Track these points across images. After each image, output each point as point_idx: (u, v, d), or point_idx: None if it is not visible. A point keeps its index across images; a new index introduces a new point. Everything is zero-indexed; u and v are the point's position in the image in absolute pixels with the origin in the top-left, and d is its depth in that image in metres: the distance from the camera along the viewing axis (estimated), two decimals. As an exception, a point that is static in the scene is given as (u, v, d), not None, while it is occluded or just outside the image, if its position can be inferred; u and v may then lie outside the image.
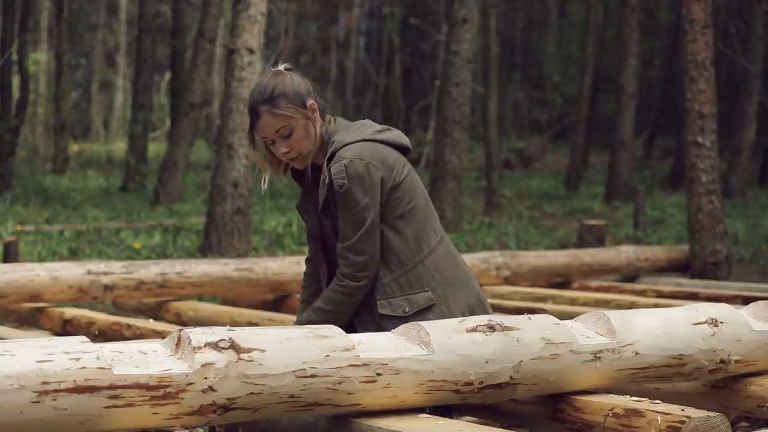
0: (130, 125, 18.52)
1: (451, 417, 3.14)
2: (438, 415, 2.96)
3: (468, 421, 3.31)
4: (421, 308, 3.26)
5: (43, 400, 2.36)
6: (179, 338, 2.63)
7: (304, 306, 3.50)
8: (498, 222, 13.98)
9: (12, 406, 2.33)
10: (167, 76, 24.60)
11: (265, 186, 3.43)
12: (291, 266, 6.59)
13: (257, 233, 11.68)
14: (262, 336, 2.70)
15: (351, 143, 3.25)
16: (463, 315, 3.29)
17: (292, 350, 2.69)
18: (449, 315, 3.28)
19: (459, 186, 12.90)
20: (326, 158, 3.26)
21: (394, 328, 3.01)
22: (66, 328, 5.63)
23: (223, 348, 2.60)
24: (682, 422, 2.82)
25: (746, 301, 5.54)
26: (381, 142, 3.29)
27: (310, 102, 3.28)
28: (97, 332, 5.35)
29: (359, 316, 3.33)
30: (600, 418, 2.99)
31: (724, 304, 3.52)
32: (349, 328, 3.24)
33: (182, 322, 6.08)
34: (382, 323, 3.25)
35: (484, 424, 3.15)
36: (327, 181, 3.22)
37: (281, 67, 3.33)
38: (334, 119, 3.38)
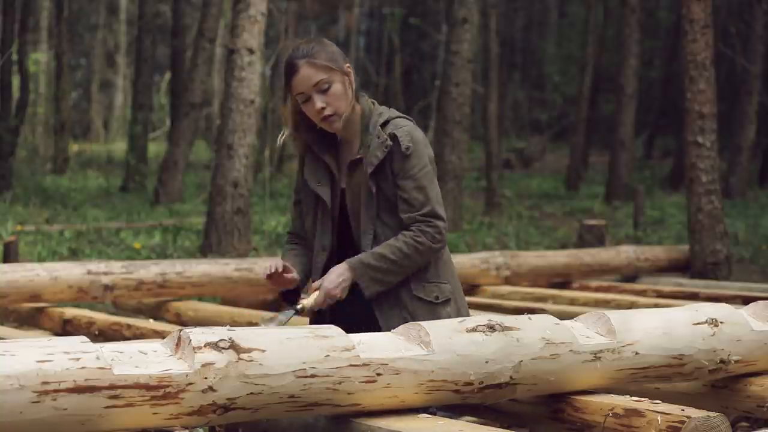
0: (130, 125, 18.51)
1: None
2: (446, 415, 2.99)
3: (468, 420, 3.30)
4: (446, 299, 3.30)
5: (43, 400, 2.36)
6: (179, 338, 2.63)
7: (291, 254, 3.44)
8: (498, 222, 13.98)
9: (12, 406, 2.33)
10: (167, 76, 24.59)
11: (280, 141, 3.41)
12: (291, 266, 6.58)
13: (257, 233, 11.68)
14: (262, 336, 2.70)
15: (401, 117, 3.29)
16: (468, 314, 3.30)
17: (292, 350, 2.69)
18: (460, 311, 3.32)
19: (459, 186, 12.90)
20: (379, 124, 3.24)
21: (420, 313, 3.12)
22: (66, 328, 5.63)
23: (223, 348, 2.60)
24: (682, 422, 2.82)
25: (746, 301, 5.54)
26: None
27: (346, 65, 3.25)
28: (97, 332, 5.36)
29: (385, 296, 3.26)
30: (600, 418, 2.99)
31: (724, 304, 3.52)
32: (356, 323, 3.19)
33: (182, 322, 6.08)
34: (412, 306, 3.26)
35: (484, 424, 3.15)
36: (387, 143, 3.19)
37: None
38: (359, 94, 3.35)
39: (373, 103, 3.33)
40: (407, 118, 3.29)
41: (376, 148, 3.20)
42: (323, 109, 3.19)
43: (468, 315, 3.32)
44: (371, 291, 3.21)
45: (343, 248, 3.33)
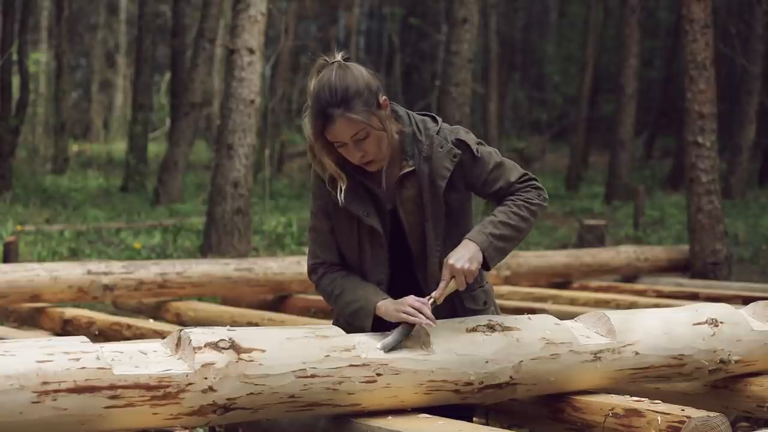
0: (130, 125, 18.52)
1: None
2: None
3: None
4: (491, 300, 3.21)
5: (43, 400, 2.36)
6: (179, 338, 2.63)
7: (355, 282, 3.03)
8: (498, 222, 13.95)
9: (12, 406, 2.33)
10: (167, 76, 24.59)
11: (342, 197, 2.98)
12: (291, 266, 6.59)
13: (257, 233, 11.68)
14: (262, 336, 2.70)
15: (435, 117, 3.11)
16: (498, 310, 3.27)
17: (292, 350, 2.69)
18: (497, 309, 3.23)
19: (459, 186, 12.88)
20: (435, 132, 3.03)
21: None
22: (66, 328, 5.63)
23: (223, 348, 2.60)
24: (682, 422, 2.82)
25: (746, 301, 5.54)
26: None
27: (383, 98, 2.95)
28: (97, 332, 5.36)
29: (438, 311, 3.00)
30: (600, 418, 2.99)
31: (724, 304, 3.52)
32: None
33: (182, 322, 6.08)
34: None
35: (485, 424, 3.16)
36: (455, 151, 2.99)
37: (339, 56, 2.97)
38: (393, 107, 3.06)
39: (406, 111, 3.08)
40: (436, 117, 3.11)
41: (442, 158, 2.99)
42: (363, 156, 2.93)
43: (499, 311, 3.27)
44: (495, 262, 2.98)
45: (395, 278, 3.06)
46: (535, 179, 3.08)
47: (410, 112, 3.09)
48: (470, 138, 3.06)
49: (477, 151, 3.02)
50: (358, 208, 2.99)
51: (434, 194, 3.00)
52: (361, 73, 2.93)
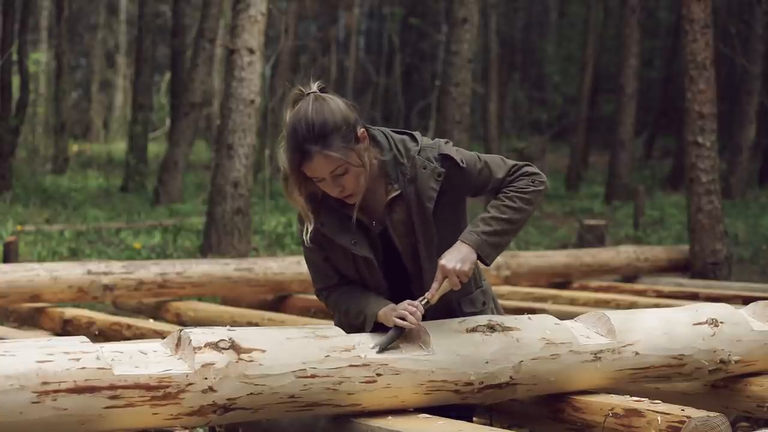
0: (130, 125, 18.52)
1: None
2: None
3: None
4: (490, 299, 3.21)
5: (43, 400, 2.36)
6: (179, 338, 2.63)
7: (362, 294, 3.06)
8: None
9: (12, 406, 2.33)
10: (167, 76, 24.59)
11: (308, 237, 3.00)
12: (291, 266, 6.59)
13: (257, 233, 11.68)
14: (262, 336, 2.70)
15: (413, 135, 3.08)
16: (500, 307, 3.27)
17: (293, 350, 2.69)
18: (497, 307, 3.24)
19: (459, 186, 12.88)
20: (416, 153, 3.00)
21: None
22: (66, 328, 5.63)
23: (224, 348, 2.60)
24: (682, 422, 2.82)
25: (746, 301, 5.54)
26: None
27: (360, 131, 2.91)
28: (97, 332, 5.36)
29: (434, 313, 3.04)
30: (600, 418, 2.99)
31: (724, 304, 3.52)
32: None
33: (182, 322, 6.08)
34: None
35: (485, 424, 3.16)
36: (439, 170, 2.96)
37: (314, 87, 2.93)
38: (371, 133, 3.02)
39: (384, 134, 3.04)
40: (415, 134, 3.08)
41: (427, 179, 2.97)
42: (341, 191, 2.92)
43: (500, 308, 3.27)
44: (492, 258, 2.97)
45: (395, 293, 3.05)
46: (528, 165, 3.06)
47: (388, 132, 3.06)
48: (451, 149, 3.04)
49: (462, 161, 3.00)
50: (344, 239, 3.00)
51: (424, 217, 3.00)
52: (338, 106, 2.89)
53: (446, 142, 3.07)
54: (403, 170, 2.99)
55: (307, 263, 3.14)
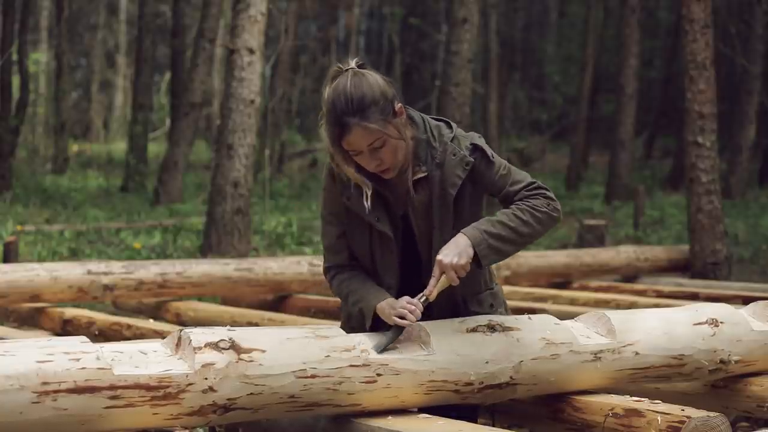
0: (130, 125, 18.52)
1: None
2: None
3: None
4: (500, 302, 3.19)
5: (43, 400, 2.36)
6: (179, 338, 2.63)
7: (368, 283, 3.04)
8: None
9: (12, 406, 2.33)
10: (167, 76, 24.59)
11: (369, 204, 2.99)
12: (291, 266, 6.59)
13: (257, 233, 11.68)
14: (262, 336, 2.70)
15: (449, 122, 3.09)
16: (509, 311, 3.26)
17: (293, 350, 2.69)
18: (508, 311, 3.21)
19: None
20: (449, 139, 3.01)
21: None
22: (66, 328, 5.63)
23: (224, 348, 2.60)
24: (682, 422, 2.82)
25: (746, 301, 5.54)
26: None
27: (398, 106, 2.95)
28: (97, 332, 5.36)
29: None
30: (600, 418, 2.99)
31: (724, 304, 3.52)
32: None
33: (182, 322, 6.08)
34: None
35: (490, 425, 3.16)
36: (467, 159, 2.97)
37: (353, 63, 2.95)
38: (408, 113, 3.05)
39: (421, 116, 3.07)
40: (450, 122, 3.09)
41: (454, 166, 2.97)
42: (379, 165, 2.93)
43: (509, 312, 3.25)
44: (488, 261, 2.92)
45: (406, 282, 3.05)
46: (547, 189, 3.05)
47: (425, 116, 3.08)
48: (483, 143, 3.05)
49: (492, 156, 3.01)
50: (370, 213, 3.00)
51: (444, 202, 3.00)
52: (376, 81, 2.92)
53: (479, 136, 3.07)
54: (434, 154, 3.00)
55: (322, 238, 3.15)
